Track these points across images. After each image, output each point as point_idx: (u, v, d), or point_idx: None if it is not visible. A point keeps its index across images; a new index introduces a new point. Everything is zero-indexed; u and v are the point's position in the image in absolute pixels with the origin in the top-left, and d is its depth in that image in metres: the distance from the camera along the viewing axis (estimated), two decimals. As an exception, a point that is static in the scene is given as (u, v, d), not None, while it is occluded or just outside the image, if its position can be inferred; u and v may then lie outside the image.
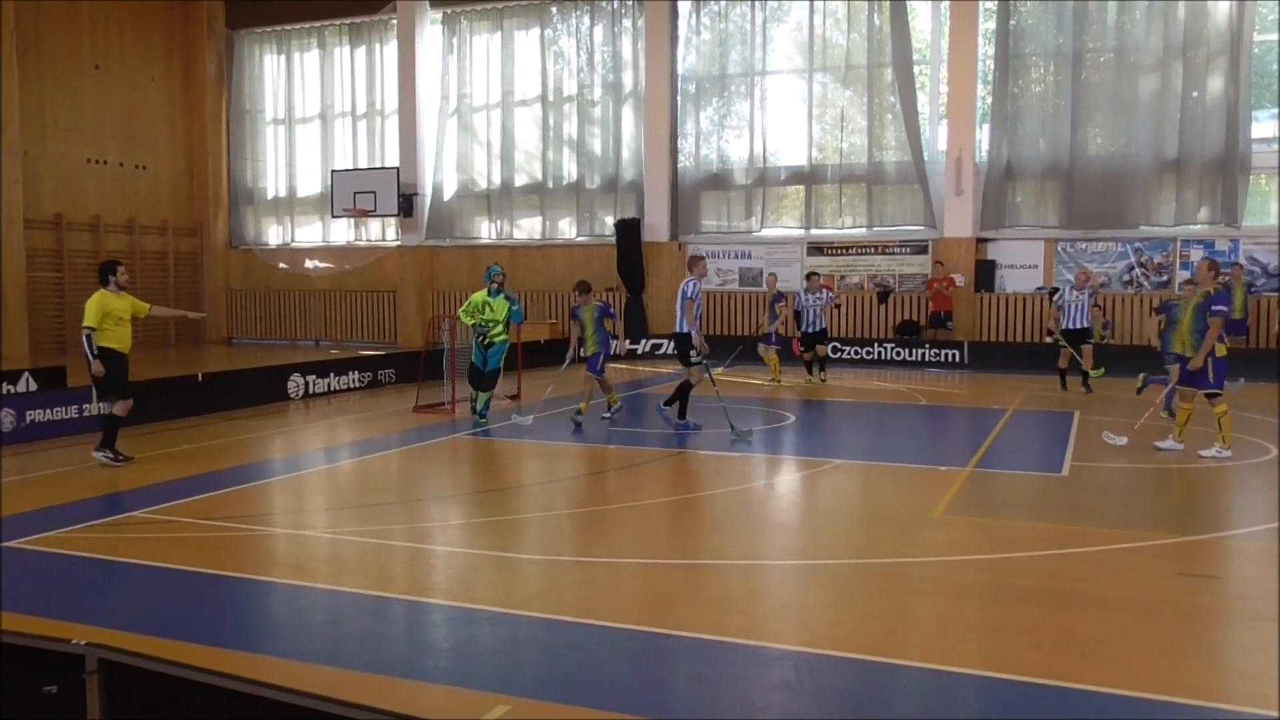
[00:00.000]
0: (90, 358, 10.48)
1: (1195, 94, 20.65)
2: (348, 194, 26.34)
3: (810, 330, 17.65)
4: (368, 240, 28.54)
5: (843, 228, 23.42)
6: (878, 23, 22.78)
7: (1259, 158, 20.18)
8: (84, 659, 3.33)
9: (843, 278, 23.10)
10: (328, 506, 9.29)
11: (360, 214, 26.51)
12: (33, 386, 14.56)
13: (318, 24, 28.28)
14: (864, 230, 23.14)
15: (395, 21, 26.80)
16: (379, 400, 16.25)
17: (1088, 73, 21.55)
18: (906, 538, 7.70)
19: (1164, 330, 12.65)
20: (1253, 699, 4.70)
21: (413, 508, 9.06)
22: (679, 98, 24.61)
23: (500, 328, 13.26)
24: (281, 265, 28.96)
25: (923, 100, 22.81)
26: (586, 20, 25.50)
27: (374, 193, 26.08)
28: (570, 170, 25.88)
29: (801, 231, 23.77)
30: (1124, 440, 10.84)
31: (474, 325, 13.31)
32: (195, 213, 28.89)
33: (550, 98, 25.85)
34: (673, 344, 13.35)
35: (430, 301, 26.84)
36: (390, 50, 27.30)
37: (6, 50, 23.10)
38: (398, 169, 26.32)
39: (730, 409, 12.44)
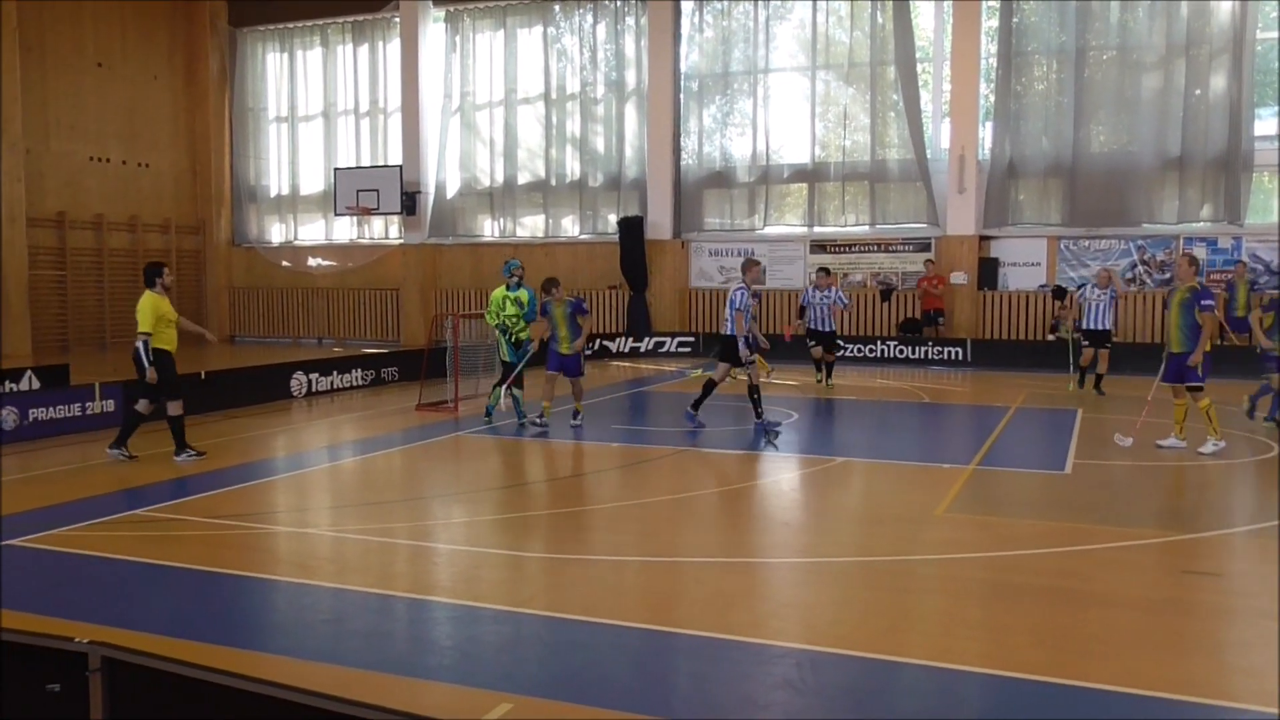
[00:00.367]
0: (147, 363, 10.43)
1: (1198, 92, 20.63)
2: (351, 192, 26.34)
3: (820, 329, 16.92)
4: (371, 238, 28.56)
5: (845, 225, 23.42)
6: (881, 20, 22.77)
7: (1261, 155, 20.16)
8: (87, 657, 3.34)
9: (846, 276, 23.08)
10: (331, 504, 9.29)
11: (363, 212, 26.51)
12: (35, 384, 14.58)
13: (320, 22, 28.28)
14: (867, 228, 23.14)
15: (398, 19, 26.81)
16: (382, 398, 16.25)
17: (1090, 70, 21.52)
18: (909, 535, 7.70)
19: (1270, 329, 12.43)
20: (1255, 696, 4.70)
21: (416, 506, 9.06)
22: (682, 95, 24.60)
23: (523, 322, 12.90)
24: (284, 263, 28.98)
25: (926, 98, 22.80)
26: (589, 18, 25.49)
27: (377, 190, 26.09)
28: (573, 168, 25.87)
29: (804, 229, 23.76)
30: (1129, 441, 10.84)
31: (497, 325, 12.90)
32: (198, 210, 28.91)
33: (553, 95, 25.84)
34: (719, 346, 13.08)
35: (433, 299, 26.84)
36: (393, 48, 27.30)
37: (9, 48, 23.12)
38: (401, 167, 26.33)
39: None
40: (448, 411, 14.15)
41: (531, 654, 5.39)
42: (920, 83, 22.55)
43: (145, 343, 10.41)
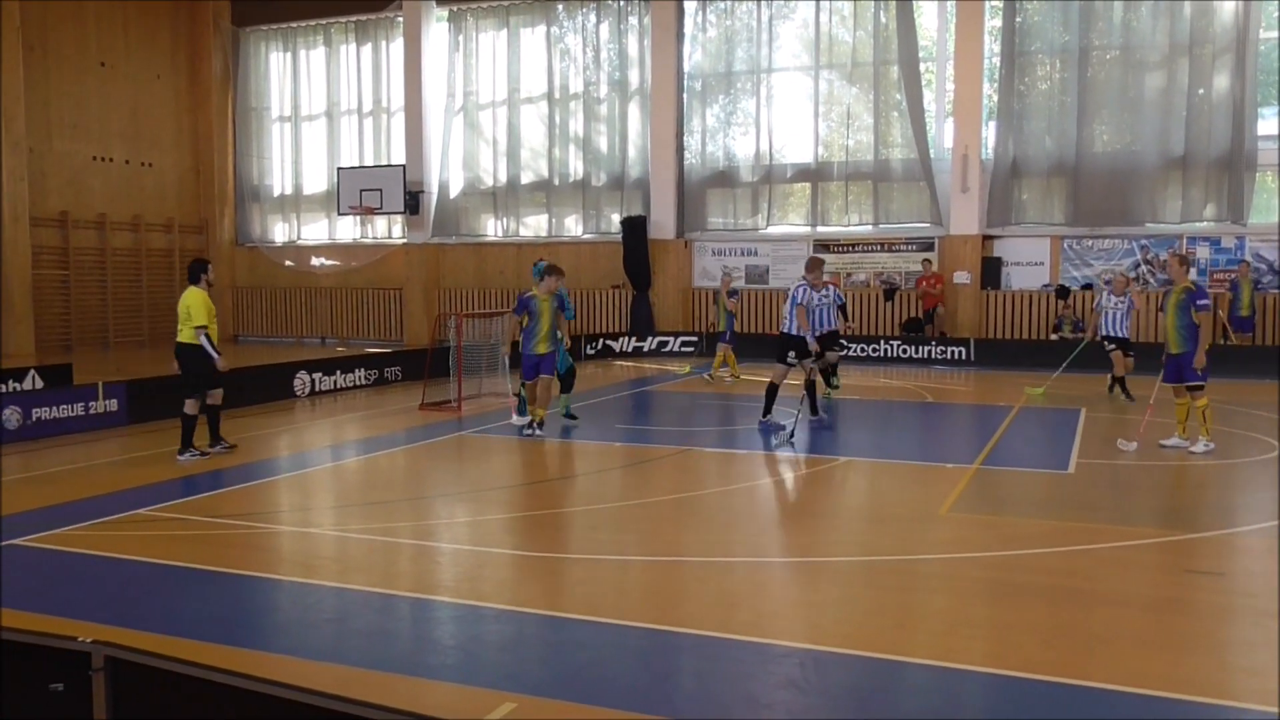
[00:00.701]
0: (216, 354, 10.71)
1: (1201, 91, 20.60)
2: (354, 191, 26.36)
3: (820, 330, 16.96)
4: (374, 238, 28.58)
5: (849, 225, 23.41)
6: (884, 20, 22.76)
7: (1265, 155, 20.14)
8: (90, 657, 3.34)
9: (849, 275, 23.09)
10: (334, 504, 9.29)
11: (366, 211, 26.52)
12: (39, 384, 14.61)
13: (323, 21, 28.30)
14: (870, 227, 23.14)
15: (401, 19, 26.83)
16: (385, 398, 16.25)
17: (1094, 70, 21.50)
18: (913, 535, 7.70)
19: None
20: (1258, 695, 4.69)
21: (419, 505, 9.06)
22: (685, 95, 24.59)
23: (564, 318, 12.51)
24: (287, 263, 29.00)
25: (929, 98, 22.79)
26: (593, 18, 25.49)
27: (380, 190, 26.11)
28: (576, 168, 25.87)
29: (808, 229, 23.76)
30: (1134, 446, 10.83)
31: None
32: (201, 210, 28.95)
33: (556, 95, 25.85)
34: (778, 347, 12.91)
35: (436, 299, 26.85)
36: (396, 48, 27.32)
37: (12, 47, 23.17)
38: (404, 166, 26.34)
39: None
40: (451, 411, 14.15)
41: (534, 653, 5.38)
42: (923, 82, 22.54)
43: (207, 335, 10.65)
